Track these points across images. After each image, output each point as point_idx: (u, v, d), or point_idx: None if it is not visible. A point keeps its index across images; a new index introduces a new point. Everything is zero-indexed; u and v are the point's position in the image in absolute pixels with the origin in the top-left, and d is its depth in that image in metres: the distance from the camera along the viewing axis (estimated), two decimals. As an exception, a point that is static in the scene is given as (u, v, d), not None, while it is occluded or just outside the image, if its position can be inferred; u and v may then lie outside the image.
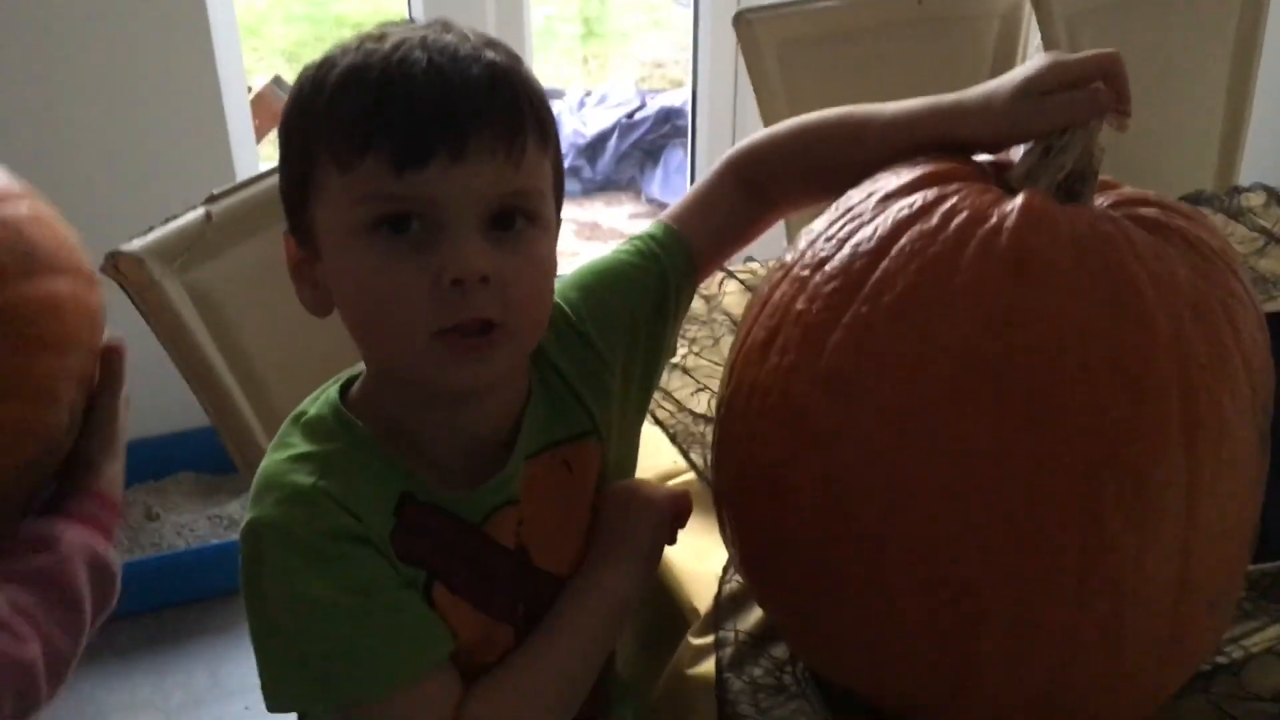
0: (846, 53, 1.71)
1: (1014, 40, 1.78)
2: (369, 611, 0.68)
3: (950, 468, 0.63)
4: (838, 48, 1.70)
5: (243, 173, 2.05)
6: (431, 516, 0.72)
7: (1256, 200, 1.48)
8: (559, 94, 4.28)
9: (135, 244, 0.95)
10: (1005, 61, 1.78)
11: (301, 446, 0.71)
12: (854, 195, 0.75)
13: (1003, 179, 0.73)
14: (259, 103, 3.66)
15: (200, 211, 1.01)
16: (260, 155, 2.34)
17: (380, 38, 0.67)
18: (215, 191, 1.03)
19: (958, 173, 0.73)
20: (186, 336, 0.95)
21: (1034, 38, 1.78)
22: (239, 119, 2.07)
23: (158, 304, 0.94)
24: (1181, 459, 0.61)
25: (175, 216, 1.00)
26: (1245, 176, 1.76)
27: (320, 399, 0.76)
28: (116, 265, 0.93)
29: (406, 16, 2.22)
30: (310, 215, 0.70)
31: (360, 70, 0.66)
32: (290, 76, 4.40)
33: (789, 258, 0.75)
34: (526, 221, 0.69)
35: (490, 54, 0.67)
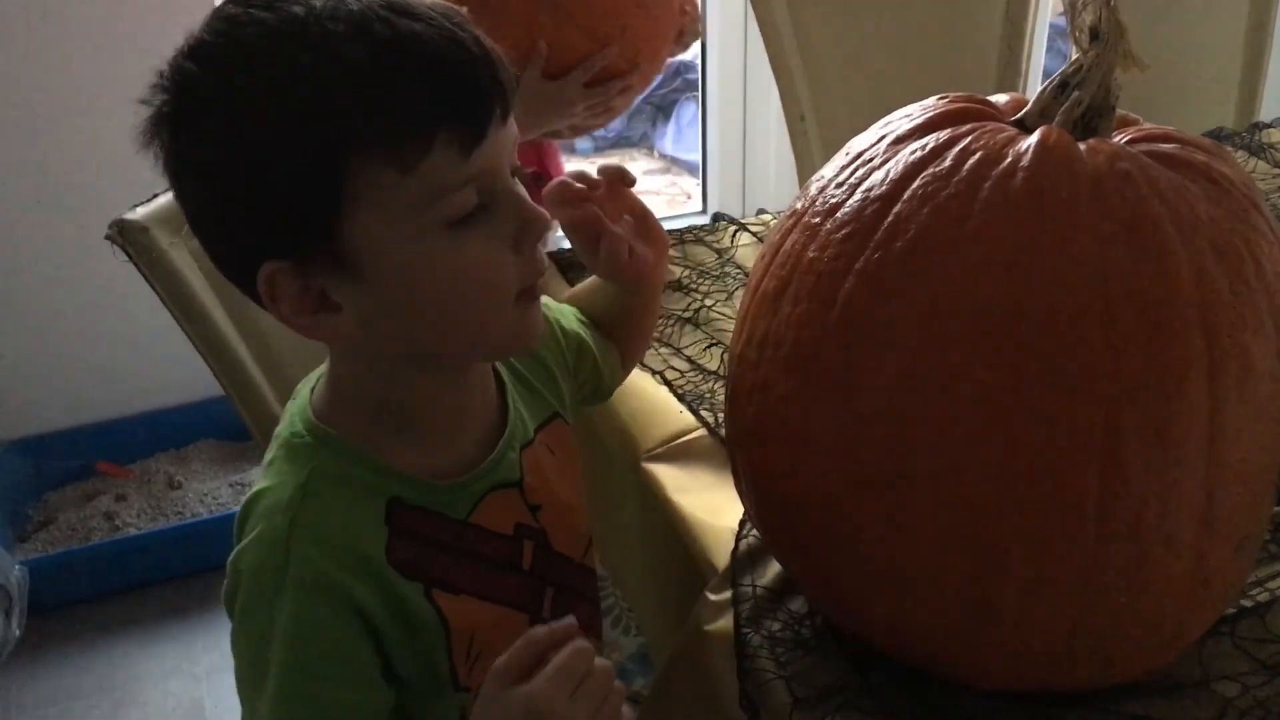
0: (856, 2, 1.68)
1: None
2: (306, 691, 0.65)
3: (968, 413, 0.62)
4: (847, -3, 1.66)
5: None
6: (422, 521, 0.71)
7: (1278, 136, 1.45)
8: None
9: (139, 211, 0.94)
10: (1018, 3, 1.75)
11: (283, 472, 0.69)
12: (865, 138, 0.73)
13: (1019, 118, 0.71)
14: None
15: (204, 177, 1.00)
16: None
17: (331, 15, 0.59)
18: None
19: (972, 112, 0.71)
20: (196, 305, 0.95)
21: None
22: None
23: (165, 272, 0.94)
24: (1204, 399, 0.60)
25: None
26: (1267, 113, 1.72)
27: (292, 413, 0.73)
28: (121, 233, 0.93)
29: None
30: (343, 232, 0.61)
31: (381, 47, 0.59)
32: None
33: (799, 205, 0.74)
34: (517, 169, 0.69)
35: (435, 10, 0.63)
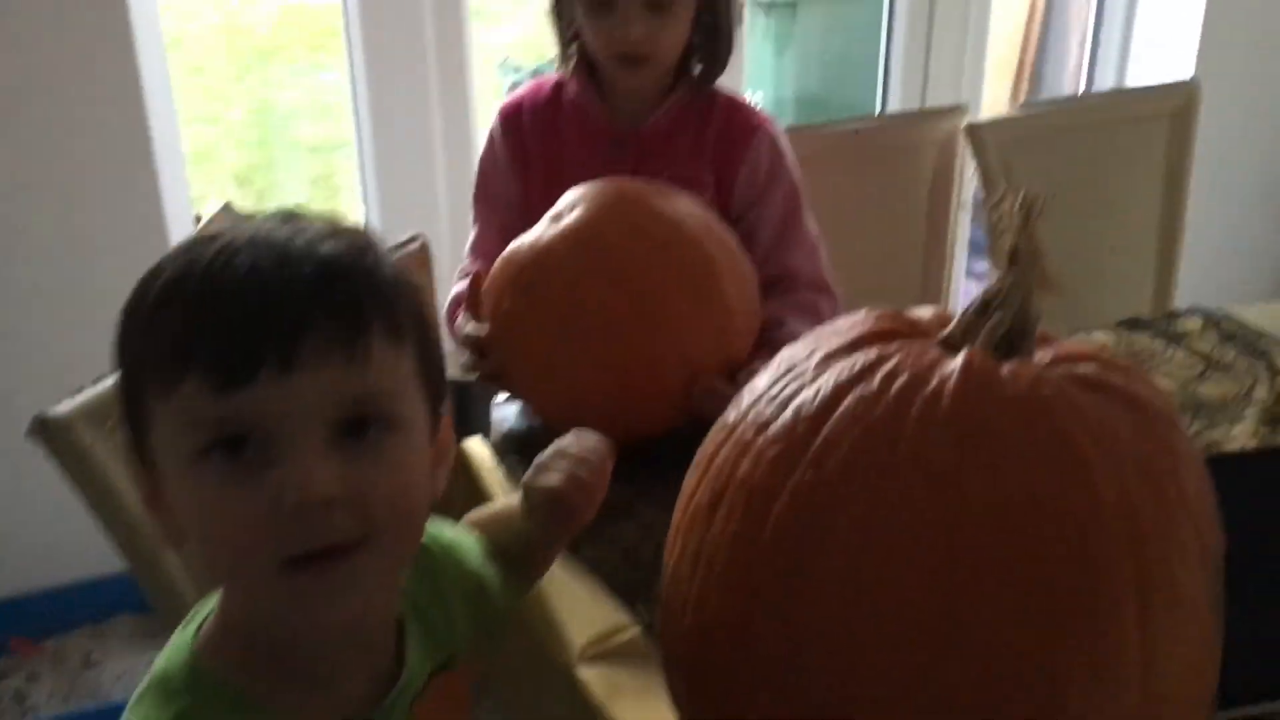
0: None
1: (950, 169, 1.82)
2: None
3: (904, 638, 0.62)
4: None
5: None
6: None
7: (1193, 325, 1.51)
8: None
9: (64, 407, 0.93)
10: (943, 191, 1.82)
11: (148, 716, 0.63)
12: (797, 351, 0.74)
13: (943, 336, 0.72)
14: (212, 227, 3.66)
15: (134, 369, 0.99)
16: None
17: (209, 240, 0.60)
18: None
19: (898, 330, 0.72)
20: (115, 503, 0.92)
21: (969, 165, 1.82)
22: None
23: (86, 472, 0.92)
24: (1135, 627, 0.60)
25: (106, 376, 0.98)
26: (1180, 300, 1.79)
27: (174, 644, 0.67)
28: (44, 429, 0.91)
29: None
30: (148, 444, 0.62)
31: (176, 284, 0.59)
32: (243, 202, 4.41)
33: (731, 417, 0.74)
34: (383, 426, 0.61)
35: (329, 245, 0.60)
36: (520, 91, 1.43)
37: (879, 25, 2.56)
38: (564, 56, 1.38)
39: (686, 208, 1.19)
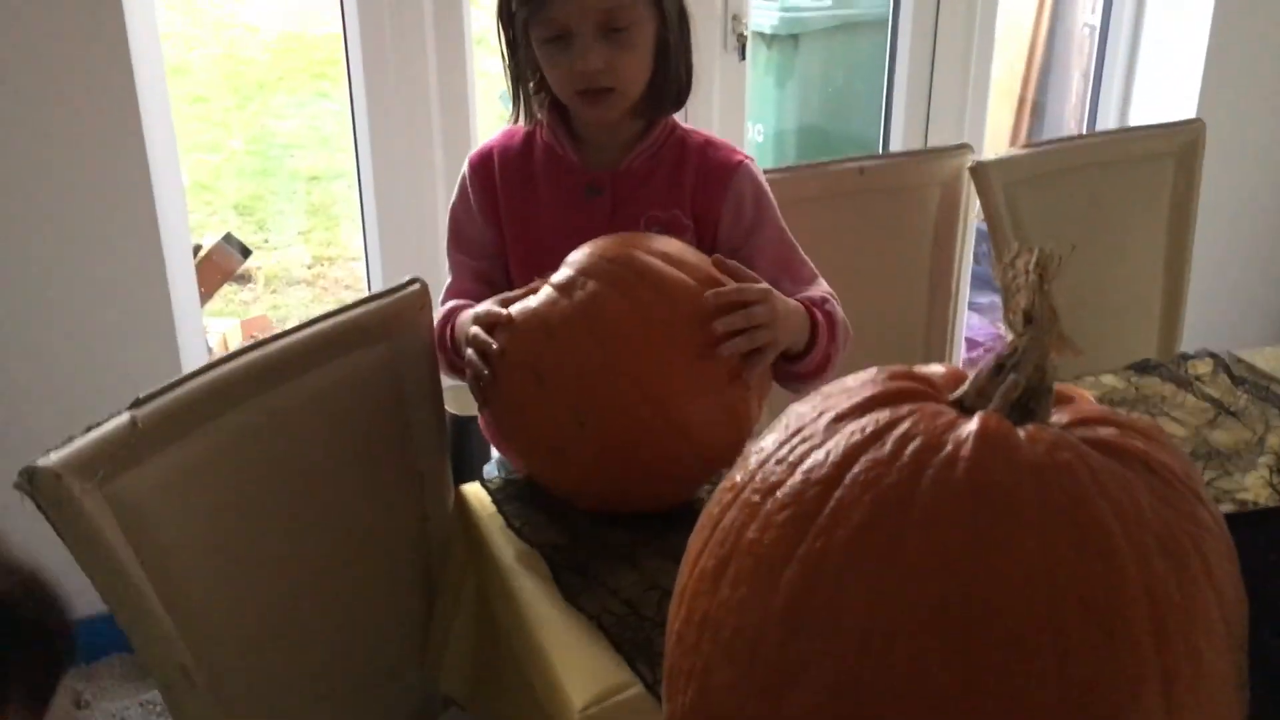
0: (791, 221, 1.73)
1: (955, 208, 1.81)
2: None
3: (916, 713, 0.59)
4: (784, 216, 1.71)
5: (186, 342, 2.01)
6: None
7: (1204, 368, 1.49)
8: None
9: (53, 457, 0.90)
10: (947, 229, 1.81)
11: None
12: (804, 412, 0.72)
13: (956, 397, 0.70)
14: (209, 261, 3.65)
15: (125, 417, 0.97)
16: (206, 312, 2.29)
17: None
18: (141, 395, 0.99)
19: (910, 390, 0.70)
20: (104, 556, 0.90)
21: (975, 204, 1.81)
22: (182, 283, 2.04)
23: (73, 524, 0.89)
24: (1159, 707, 0.58)
25: (98, 424, 0.96)
26: (1186, 342, 1.77)
27: None
28: (31, 482, 0.88)
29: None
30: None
31: None
32: (241, 233, 4.41)
33: (738, 477, 0.72)
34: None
35: None
36: (490, 140, 1.40)
37: (881, 57, 2.55)
38: (521, 106, 1.35)
39: (696, 269, 1.14)
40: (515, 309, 1.14)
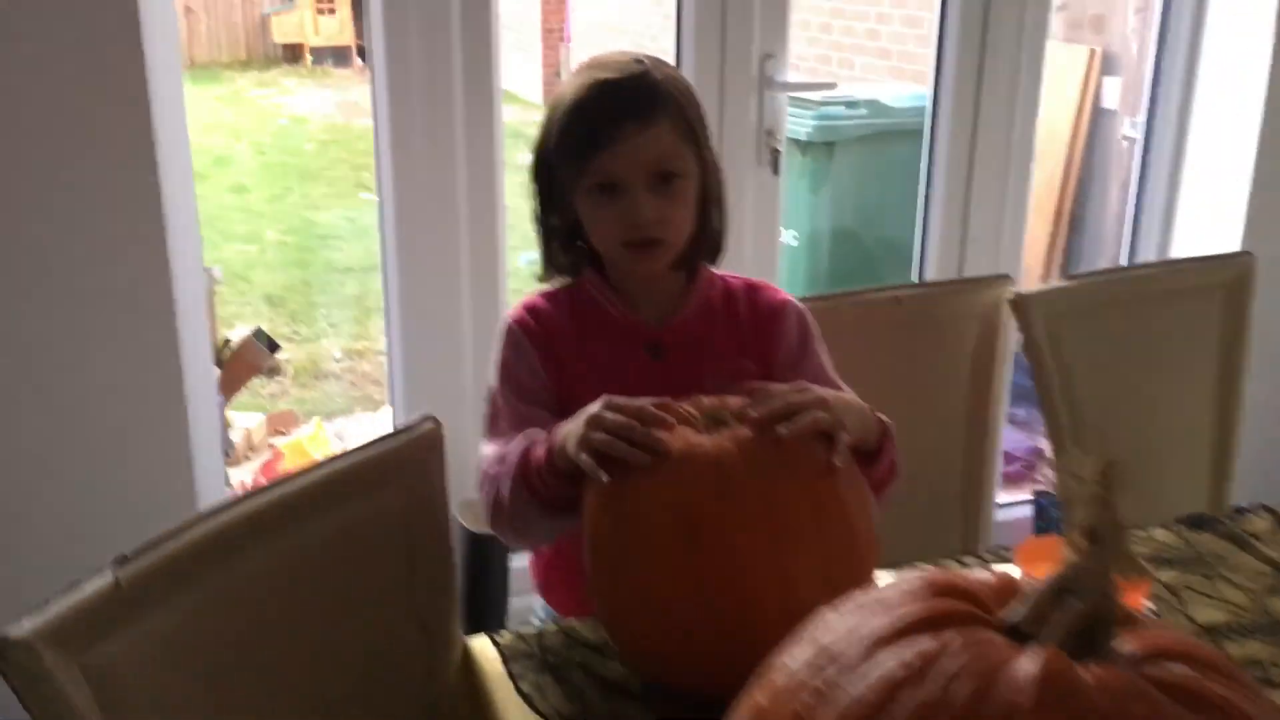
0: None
1: (994, 339, 1.74)
2: None
3: None
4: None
5: (201, 459, 1.97)
6: None
7: (1261, 525, 1.40)
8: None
9: (27, 626, 0.84)
10: (985, 360, 1.74)
11: None
12: (833, 624, 0.65)
13: (1009, 620, 0.63)
14: (238, 355, 3.64)
15: (107, 577, 0.91)
16: (233, 406, 2.23)
17: None
18: (127, 553, 0.93)
19: (955, 610, 0.63)
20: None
21: (1012, 334, 1.75)
22: (200, 391, 1.99)
23: (44, 697, 0.83)
24: None
25: (78, 583, 0.90)
26: (1240, 493, 1.68)
27: None
28: (4, 656, 0.82)
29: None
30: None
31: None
32: (272, 325, 4.40)
33: (758, 698, 0.65)
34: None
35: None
36: (526, 300, 1.32)
37: (916, 163, 2.51)
38: (553, 264, 1.30)
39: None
40: (676, 436, 1.02)
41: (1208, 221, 2.54)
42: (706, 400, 1.09)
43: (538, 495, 1.15)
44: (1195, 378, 1.78)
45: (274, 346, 3.81)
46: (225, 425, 3.38)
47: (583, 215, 1.24)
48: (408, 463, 1.18)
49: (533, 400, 1.27)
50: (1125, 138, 3.63)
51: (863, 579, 1.01)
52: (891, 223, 3.60)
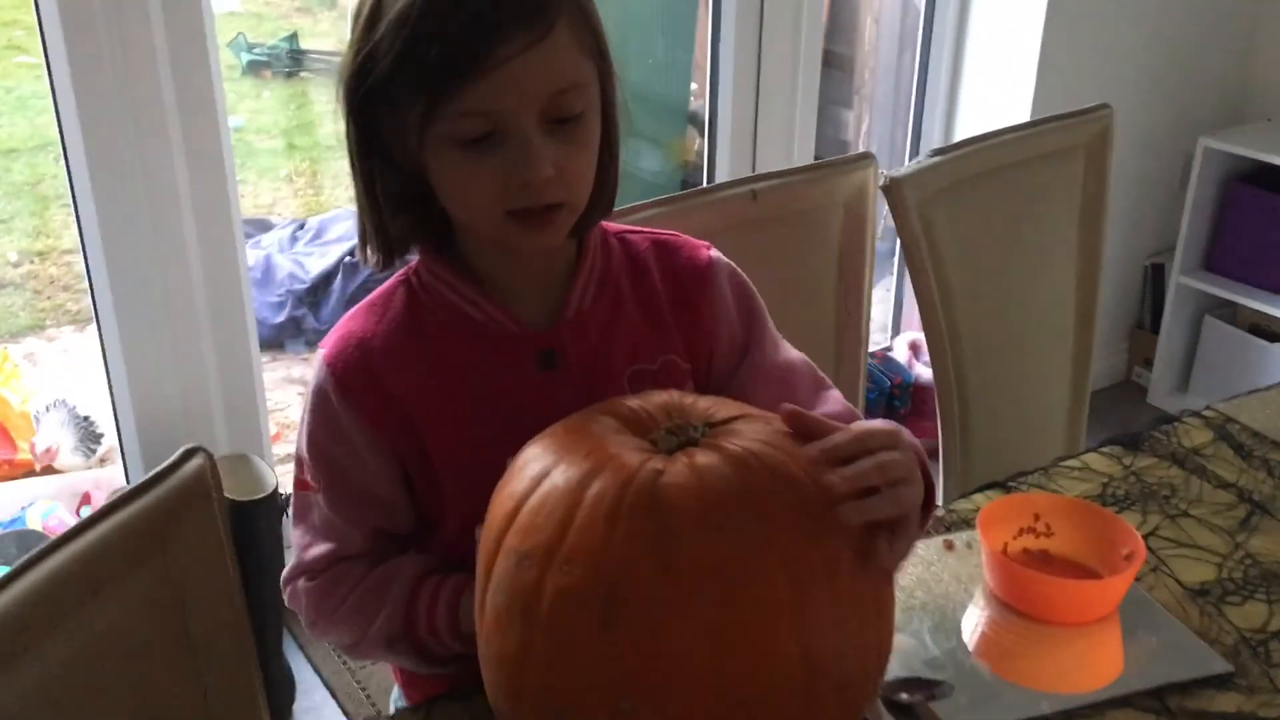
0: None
1: (861, 227, 1.48)
2: None
3: None
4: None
5: None
6: None
7: (1200, 438, 1.23)
8: (266, 225, 3.75)
9: None
10: (854, 251, 1.49)
11: None
12: None
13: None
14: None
15: None
16: None
17: None
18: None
19: None
20: None
21: (881, 222, 1.50)
22: None
23: None
24: None
25: None
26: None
27: None
28: None
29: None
30: None
31: None
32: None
33: None
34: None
35: None
36: (343, 329, 0.90)
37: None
38: (385, 247, 0.88)
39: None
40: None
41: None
42: (660, 397, 0.74)
43: (427, 654, 0.88)
44: (1059, 241, 1.64)
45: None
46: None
47: (434, 174, 0.83)
48: (171, 521, 0.80)
49: (359, 486, 0.89)
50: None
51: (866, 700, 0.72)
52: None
